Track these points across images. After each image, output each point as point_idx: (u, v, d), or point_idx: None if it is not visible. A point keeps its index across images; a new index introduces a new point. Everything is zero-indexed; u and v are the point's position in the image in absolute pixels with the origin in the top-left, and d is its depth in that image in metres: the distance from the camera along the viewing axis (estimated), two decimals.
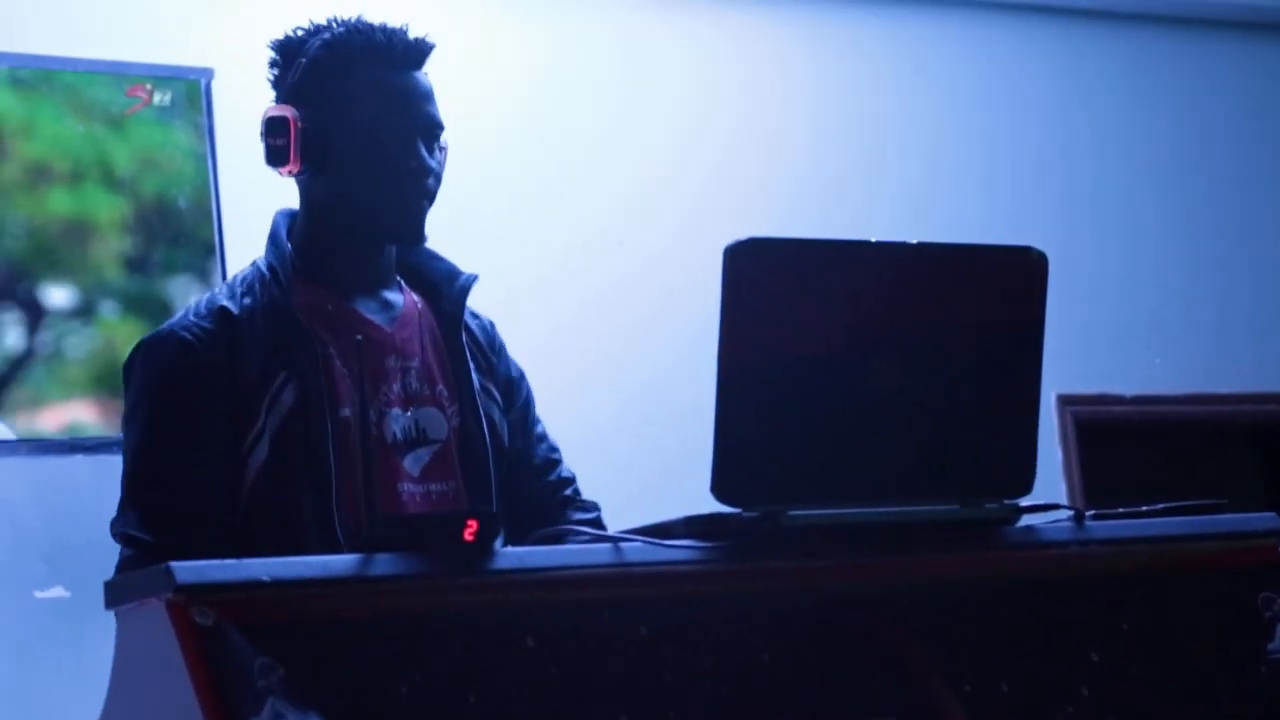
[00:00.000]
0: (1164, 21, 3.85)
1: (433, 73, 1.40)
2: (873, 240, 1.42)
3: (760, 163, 3.20)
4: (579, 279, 2.90)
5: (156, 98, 2.52)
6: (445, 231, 1.45)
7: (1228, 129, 3.83)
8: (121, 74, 2.51)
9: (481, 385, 1.37)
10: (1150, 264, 3.63)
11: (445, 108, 1.39)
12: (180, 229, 2.54)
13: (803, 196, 3.20)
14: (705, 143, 3.15)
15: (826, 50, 3.39)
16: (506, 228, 2.80)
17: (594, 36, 3.07)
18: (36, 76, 2.47)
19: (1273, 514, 1.24)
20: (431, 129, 1.35)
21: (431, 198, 1.36)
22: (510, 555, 1.00)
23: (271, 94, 1.38)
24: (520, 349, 1.53)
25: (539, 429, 1.48)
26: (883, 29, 3.45)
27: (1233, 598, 1.16)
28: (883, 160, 3.37)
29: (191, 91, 2.55)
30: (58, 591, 1.62)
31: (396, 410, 1.31)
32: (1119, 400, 3.45)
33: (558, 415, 1.56)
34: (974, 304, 1.11)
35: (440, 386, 1.36)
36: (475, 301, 1.44)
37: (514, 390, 1.45)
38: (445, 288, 1.41)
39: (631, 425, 2.83)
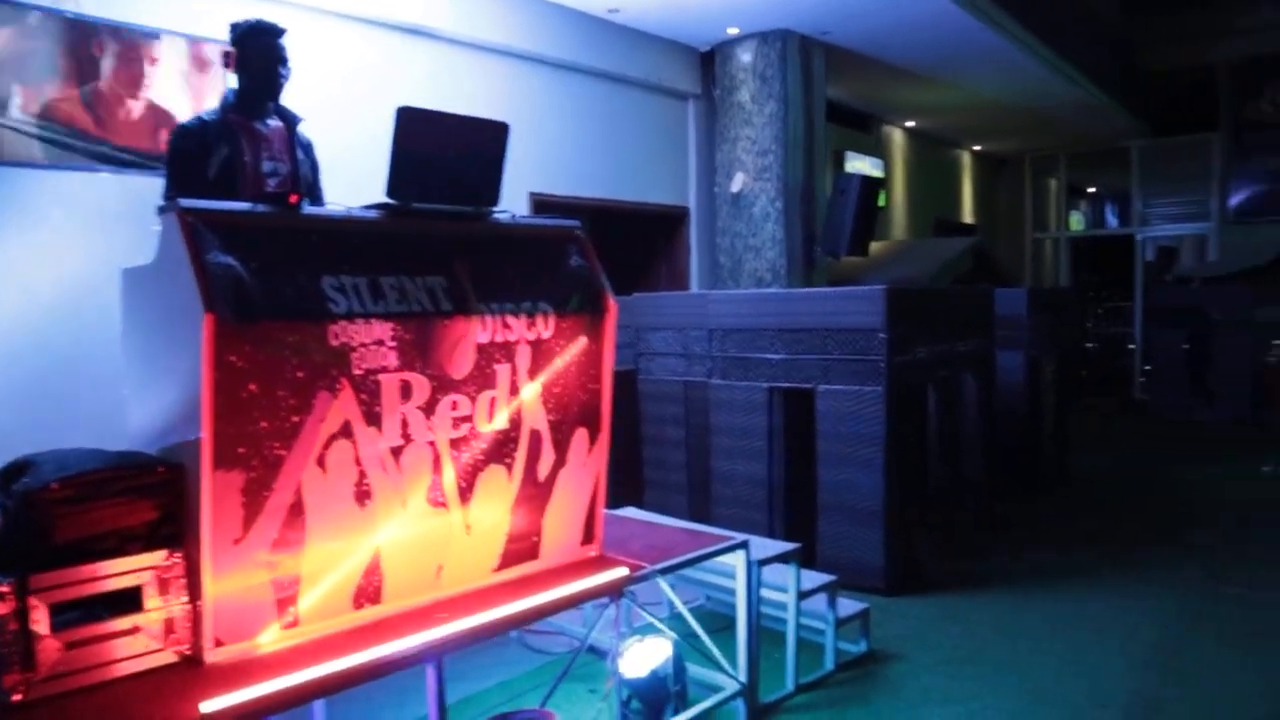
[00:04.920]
0: (595, 74, 7.95)
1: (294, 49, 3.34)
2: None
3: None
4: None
5: None
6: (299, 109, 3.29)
7: (638, 141, 8.15)
8: None
9: (299, 153, 3.29)
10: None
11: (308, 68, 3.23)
12: None
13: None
14: None
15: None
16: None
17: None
18: None
19: (575, 221, 3.35)
20: (283, 57, 3.32)
21: (284, 85, 3.33)
22: (309, 210, 2.83)
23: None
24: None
25: (318, 176, 3.49)
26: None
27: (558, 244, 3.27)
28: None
29: None
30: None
31: (266, 162, 3.22)
32: (555, 197, 6.55)
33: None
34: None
35: (285, 156, 3.28)
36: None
37: (309, 156, 3.44)
38: (292, 121, 3.38)
39: None
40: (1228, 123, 14.87)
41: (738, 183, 8.57)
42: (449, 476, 2.83)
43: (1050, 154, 16.39)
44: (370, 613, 2.69)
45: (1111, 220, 20.64)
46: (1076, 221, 19.13)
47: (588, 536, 3.34)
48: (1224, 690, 4.15)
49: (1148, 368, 14.06)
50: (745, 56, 8.54)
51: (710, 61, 8.91)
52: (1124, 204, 16.99)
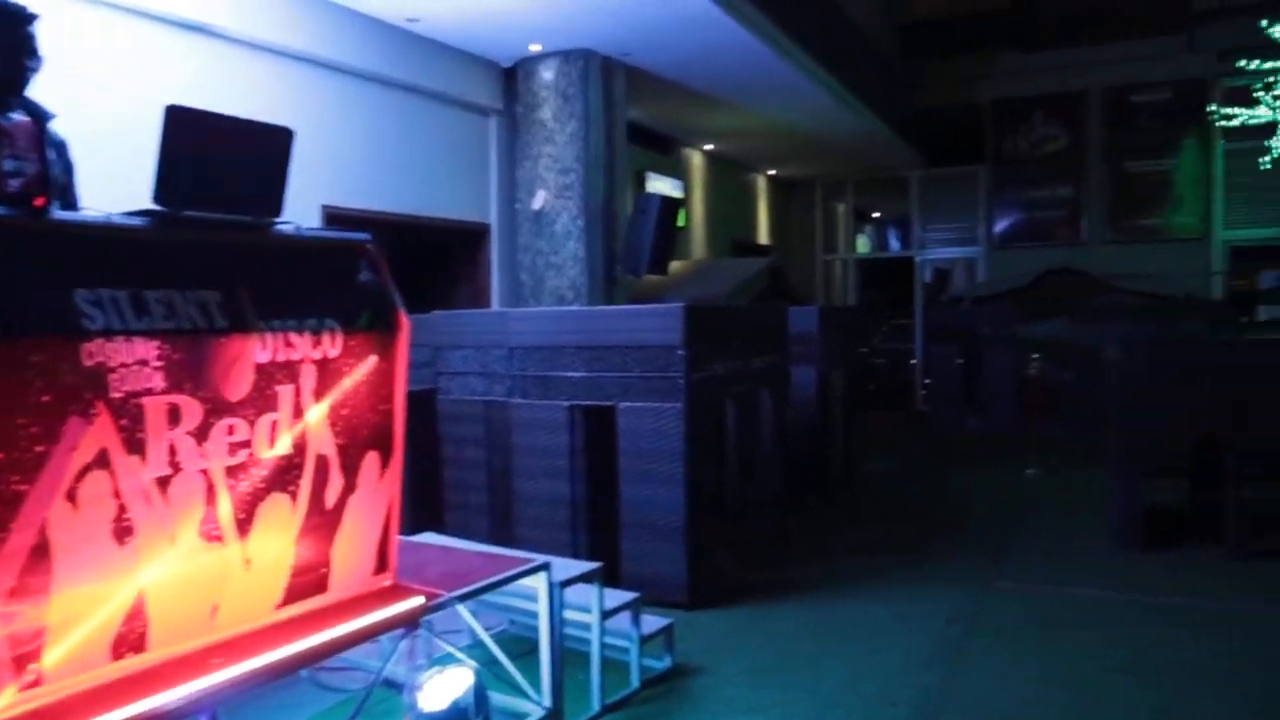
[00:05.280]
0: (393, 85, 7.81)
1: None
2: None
3: None
4: None
5: None
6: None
7: (438, 155, 8.38)
8: None
9: (50, 153, 2.93)
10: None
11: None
12: None
13: None
14: None
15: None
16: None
17: None
18: None
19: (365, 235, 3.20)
20: (31, 47, 2.98)
21: (31, 77, 3.00)
22: (60, 215, 2.55)
23: None
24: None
25: (72, 178, 3.12)
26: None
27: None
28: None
29: None
30: None
31: (8, 160, 2.85)
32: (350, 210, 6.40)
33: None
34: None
35: (32, 154, 2.93)
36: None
37: (62, 157, 3.05)
38: (43, 117, 3.02)
39: None
40: (991, 157, 16.23)
41: (539, 200, 8.53)
42: (225, 507, 2.62)
43: (839, 180, 17.34)
44: (132, 663, 2.43)
45: (894, 243, 22.06)
46: (863, 244, 20.33)
47: (381, 565, 3.17)
48: (1001, 680, 4.44)
49: (928, 381, 15.04)
50: (547, 74, 8.54)
51: (513, 77, 8.85)
52: (905, 229, 18.21)
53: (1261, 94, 9.46)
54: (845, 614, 5.43)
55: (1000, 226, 16.22)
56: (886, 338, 18.12)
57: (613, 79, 8.80)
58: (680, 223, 11.33)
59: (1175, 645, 4.87)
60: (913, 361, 16.80)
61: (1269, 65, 9.34)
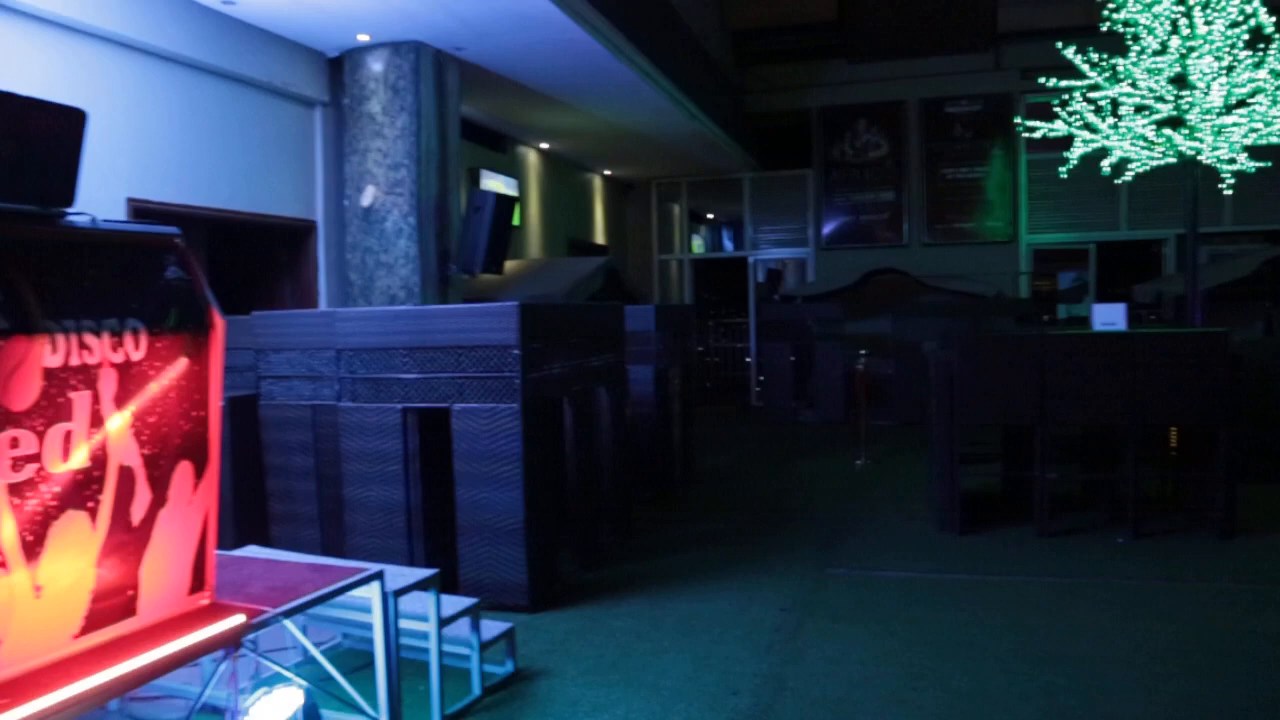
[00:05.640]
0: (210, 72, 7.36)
1: None
2: None
3: None
4: None
5: None
6: None
7: (260, 148, 7.92)
8: None
9: None
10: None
11: None
12: None
13: None
14: None
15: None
16: None
17: None
18: None
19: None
20: None
21: None
22: None
23: None
24: None
25: None
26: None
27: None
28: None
29: None
30: None
31: None
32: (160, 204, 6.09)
33: None
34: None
35: None
36: None
37: None
38: None
39: None
40: (819, 162, 16.86)
41: (369, 196, 8.24)
42: (8, 529, 2.35)
43: (674, 181, 17.59)
44: None
45: (728, 244, 22.61)
46: (697, 244, 20.72)
47: (197, 583, 2.95)
48: (837, 663, 4.57)
49: (761, 377, 15.47)
50: (376, 65, 8.25)
51: (339, 68, 8.51)
52: (738, 230, 18.67)
53: (1059, 110, 10.19)
54: (687, 607, 5.47)
55: (828, 228, 16.87)
56: (720, 336, 18.54)
57: (445, 73, 8.60)
58: (515, 221, 11.21)
59: (992, 620, 5.15)
60: (747, 359, 17.25)
61: (1065, 84, 10.08)
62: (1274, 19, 9.29)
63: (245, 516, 5.99)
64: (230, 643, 2.89)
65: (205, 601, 2.97)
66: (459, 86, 8.89)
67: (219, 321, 2.91)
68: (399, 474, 5.53)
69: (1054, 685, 4.28)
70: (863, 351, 10.91)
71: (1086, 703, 4.09)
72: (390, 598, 3.59)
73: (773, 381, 14.33)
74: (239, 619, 2.90)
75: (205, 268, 7.80)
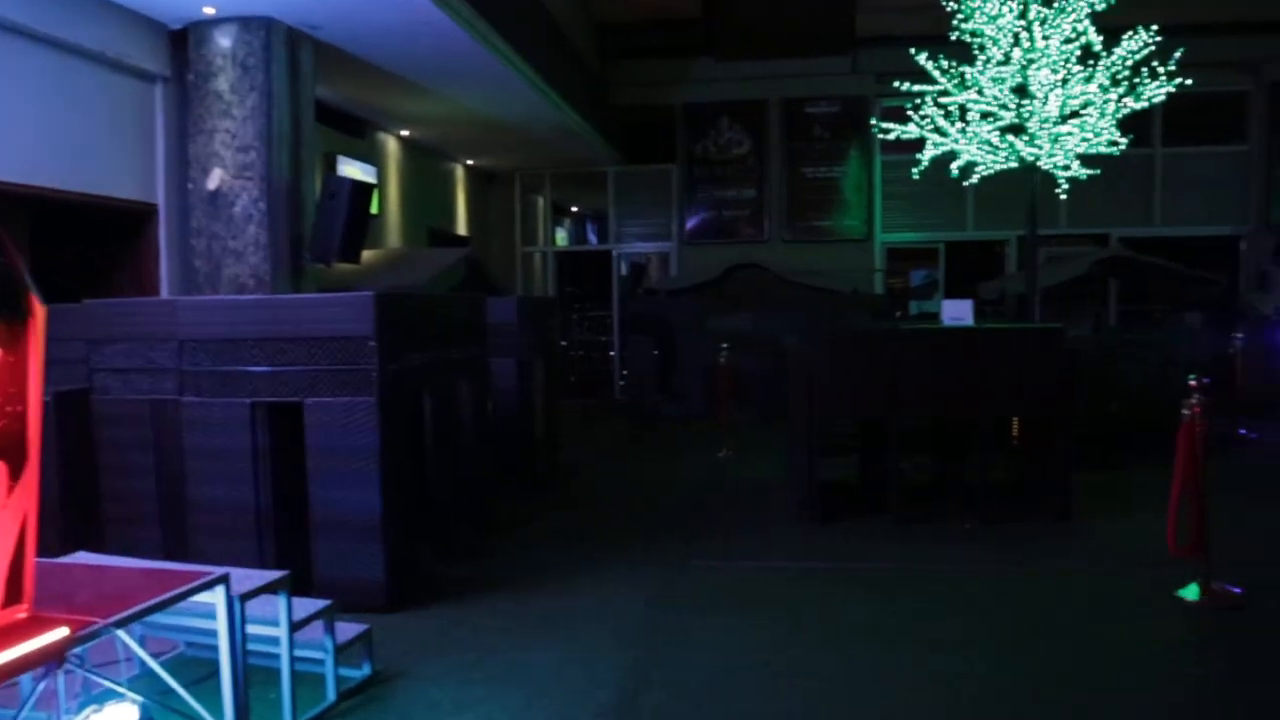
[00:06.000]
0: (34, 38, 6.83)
1: None
2: None
3: None
4: None
5: None
6: None
7: (92, 124, 7.44)
8: None
9: None
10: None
11: None
12: None
13: None
14: None
15: None
16: None
17: None
18: None
19: None
20: None
21: None
22: None
23: None
24: None
25: None
26: None
27: None
28: None
29: None
30: None
31: None
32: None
33: None
34: None
35: None
36: None
37: None
38: None
39: None
40: (682, 157, 17.01)
41: (215, 179, 7.80)
42: None
43: (538, 173, 17.42)
44: None
45: (592, 237, 22.58)
46: (561, 237, 20.61)
47: (14, 595, 2.69)
48: (700, 653, 4.60)
49: (625, 371, 15.51)
50: (224, 41, 7.81)
51: (183, 42, 8.02)
52: (602, 223, 18.66)
53: (912, 113, 10.59)
54: (550, 602, 5.40)
55: (691, 223, 17.05)
56: (586, 329, 18.51)
57: (299, 52, 8.22)
58: (374, 210, 10.86)
59: (851, 606, 5.29)
60: (611, 352, 17.27)
61: (918, 88, 10.48)
62: (1101, 38, 9.91)
63: (76, 519, 5.56)
64: (52, 658, 2.65)
65: (22, 615, 2.72)
66: (314, 67, 8.52)
67: (39, 308, 2.66)
68: (247, 471, 5.25)
69: (913, 664, 4.42)
70: (724, 345, 11.06)
71: (940, 682, 4.24)
72: (236, 602, 3.38)
73: (636, 375, 14.38)
74: (62, 632, 2.66)
75: (29, 253, 7.20)
